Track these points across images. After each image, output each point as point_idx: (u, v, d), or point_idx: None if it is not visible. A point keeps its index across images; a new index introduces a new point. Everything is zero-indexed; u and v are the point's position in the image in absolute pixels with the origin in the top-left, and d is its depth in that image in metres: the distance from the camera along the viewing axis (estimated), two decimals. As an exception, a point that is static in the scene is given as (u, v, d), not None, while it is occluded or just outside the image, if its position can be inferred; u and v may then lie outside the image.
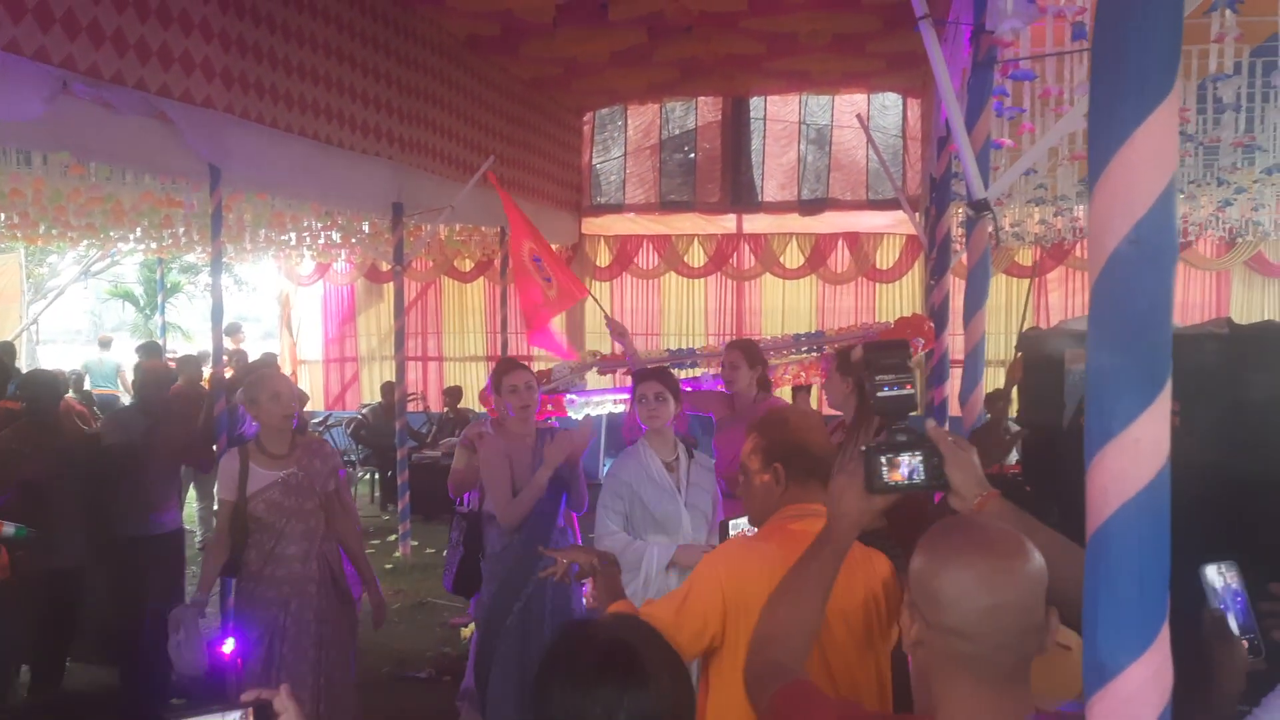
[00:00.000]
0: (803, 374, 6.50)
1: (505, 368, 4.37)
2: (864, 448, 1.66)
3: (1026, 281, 11.55)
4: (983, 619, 1.30)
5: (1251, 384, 3.49)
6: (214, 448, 5.93)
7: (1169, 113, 1.05)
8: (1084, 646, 1.12)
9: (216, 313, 6.09)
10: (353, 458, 11.55)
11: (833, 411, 4.32)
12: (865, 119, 10.35)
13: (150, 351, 9.01)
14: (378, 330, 13.95)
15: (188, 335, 22.08)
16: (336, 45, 7.13)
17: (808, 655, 1.74)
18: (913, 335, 5.60)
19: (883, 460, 1.62)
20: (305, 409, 7.84)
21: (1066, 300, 11.45)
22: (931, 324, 5.46)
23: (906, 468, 1.63)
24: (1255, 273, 10.90)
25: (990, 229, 3.07)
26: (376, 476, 11.54)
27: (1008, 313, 11.26)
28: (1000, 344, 10.91)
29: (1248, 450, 3.37)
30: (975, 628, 1.30)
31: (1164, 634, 1.07)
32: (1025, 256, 11.40)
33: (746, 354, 4.83)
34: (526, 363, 5.19)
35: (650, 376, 4.00)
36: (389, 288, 13.89)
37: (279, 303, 14.30)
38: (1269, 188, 6.21)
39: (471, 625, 6.67)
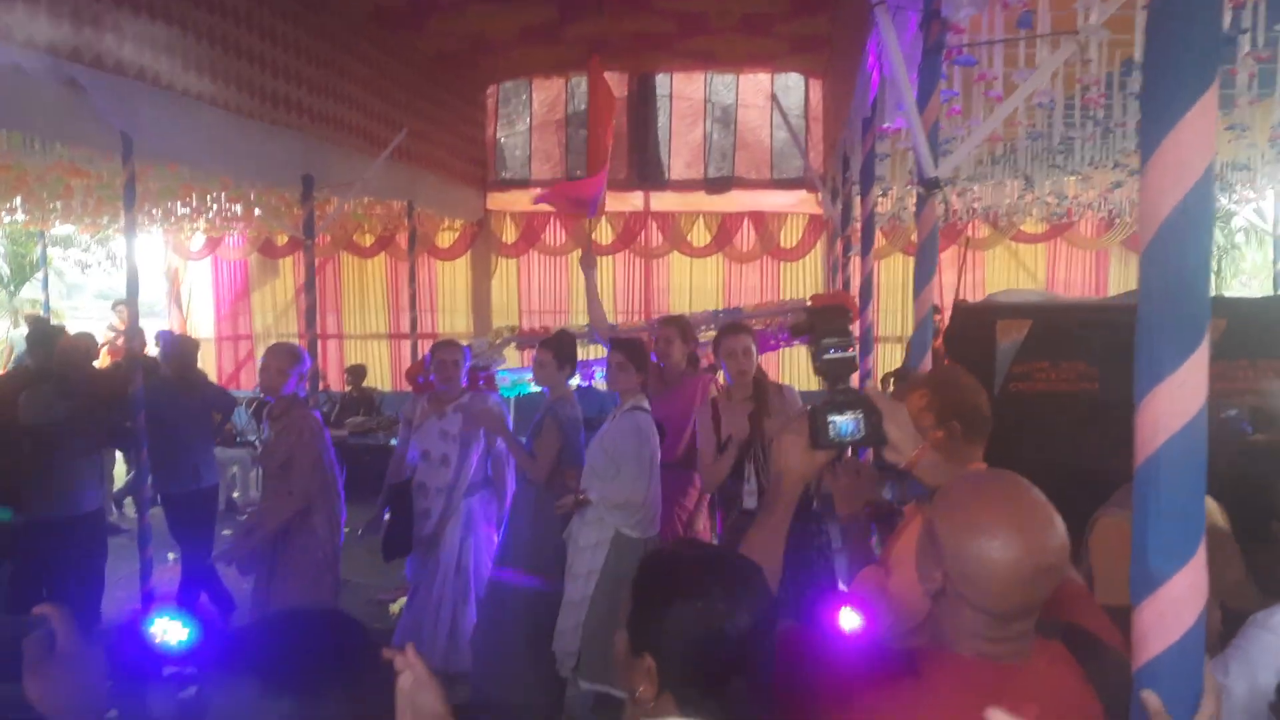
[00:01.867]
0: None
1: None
2: (809, 407, 1.80)
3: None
4: (1008, 592, 1.40)
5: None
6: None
7: (1210, 102, 1.22)
8: (1134, 560, 1.29)
9: (132, 287, 5.89)
10: (254, 439, 11.25)
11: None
12: (771, 98, 10.61)
13: (41, 326, 8.62)
14: (273, 306, 13.59)
15: (58, 313, 21.03)
16: (247, 12, 6.94)
17: None
18: (838, 309, 5.83)
19: (827, 418, 1.76)
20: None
21: (957, 279, 11.96)
22: (855, 300, 5.71)
23: (849, 424, 1.77)
24: (1131, 251, 11.63)
25: (940, 207, 3.28)
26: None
27: (903, 291, 11.72)
28: (898, 321, 11.38)
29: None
30: (1000, 600, 1.41)
31: (1202, 547, 1.25)
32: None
33: (680, 330, 5.17)
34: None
35: (619, 347, 4.41)
36: (285, 263, 13.53)
37: (167, 278, 13.77)
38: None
39: (400, 600, 6.70)
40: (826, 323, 1.74)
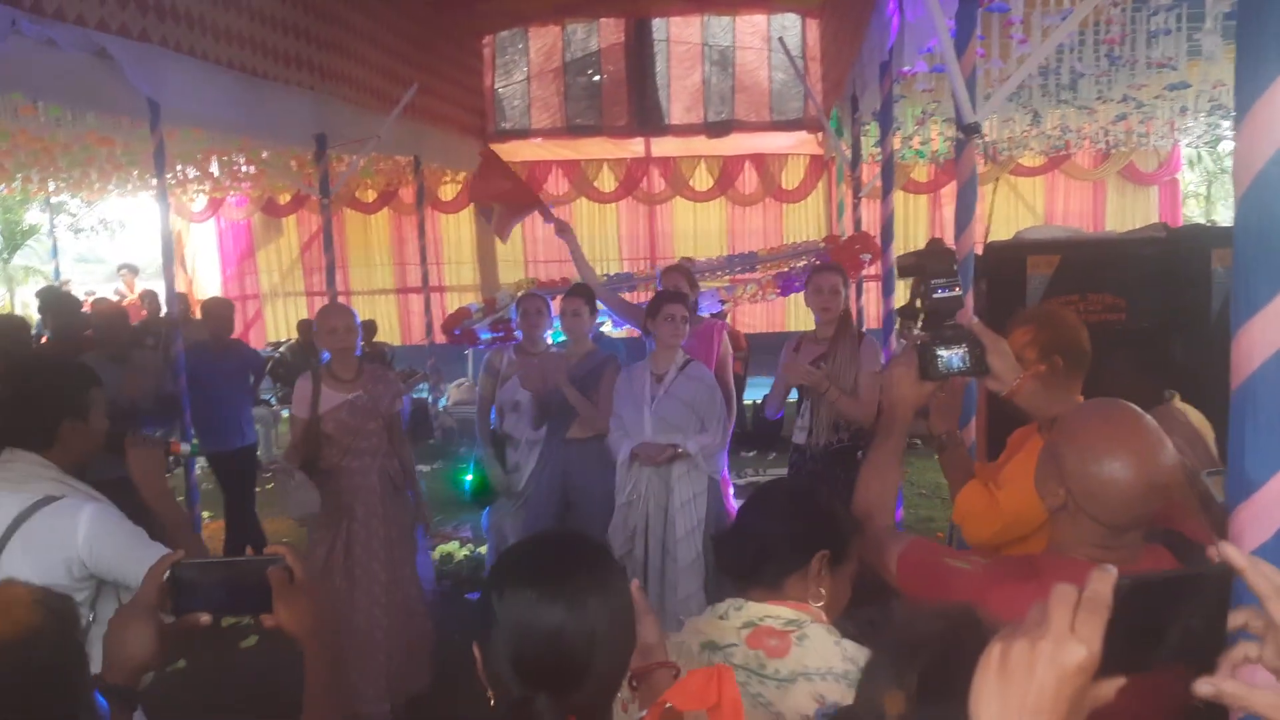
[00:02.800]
0: (760, 292, 6.84)
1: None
2: (918, 342, 1.97)
3: (923, 198, 12.19)
4: (1127, 507, 1.57)
5: (1184, 275, 4.03)
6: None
7: (1299, 63, 1.38)
8: (1229, 468, 1.48)
9: (167, 250, 6.02)
10: (269, 398, 11.40)
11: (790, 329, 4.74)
12: (768, 40, 10.62)
13: (54, 294, 8.69)
14: (279, 265, 13.66)
15: (47, 276, 20.98)
16: (255, -30, 6.97)
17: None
18: (861, 251, 6.00)
19: (936, 352, 1.94)
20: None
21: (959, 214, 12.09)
22: (877, 240, 5.85)
23: (955, 358, 1.95)
24: (1128, 181, 11.80)
25: (979, 149, 3.43)
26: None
27: (906, 227, 11.86)
28: (901, 256, 11.51)
29: (1179, 327, 3.97)
30: (1118, 513, 1.58)
31: (1292, 457, 1.44)
32: (921, 173, 11.98)
33: (687, 278, 5.24)
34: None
35: (677, 299, 4.36)
36: (288, 221, 13.59)
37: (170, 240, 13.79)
38: (1166, 103, 6.86)
39: (440, 547, 6.91)
40: (935, 264, 1.90)
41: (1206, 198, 20.97)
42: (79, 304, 7.18)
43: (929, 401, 2.10)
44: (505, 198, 6.29)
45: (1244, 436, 1.46)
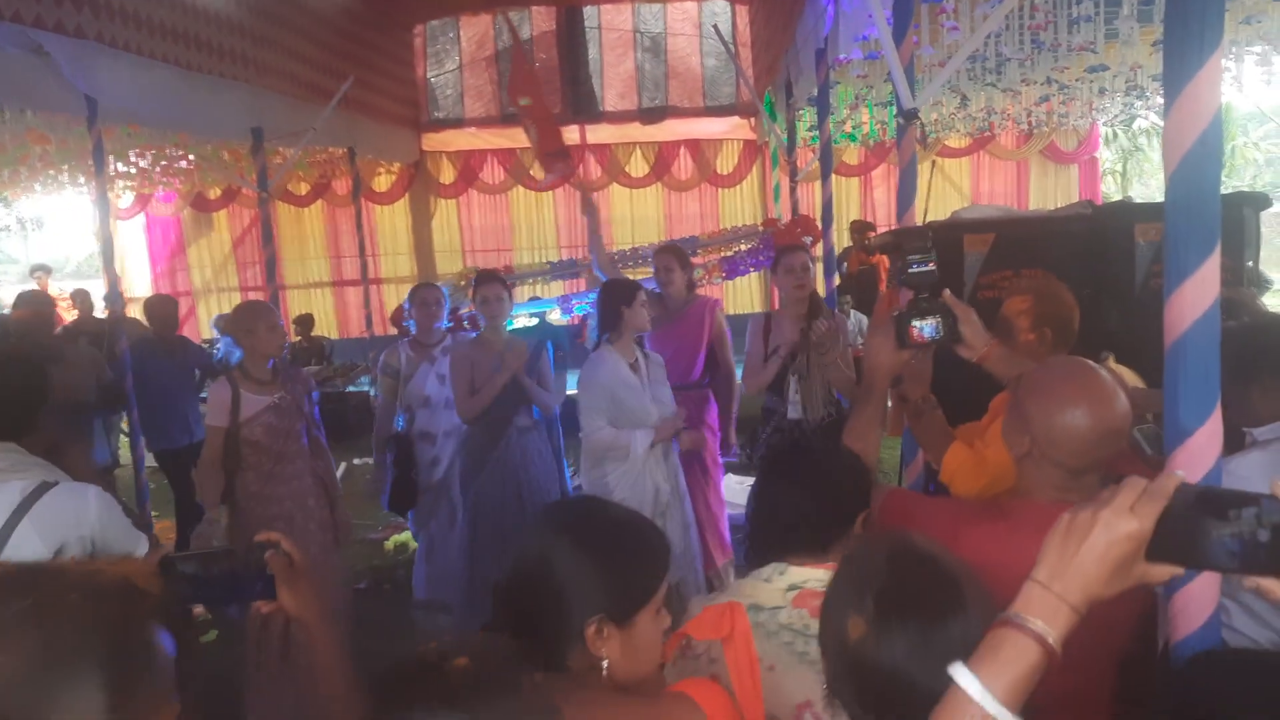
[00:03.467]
0: (706, 276, 6.99)
1: (482, 279, 4.63)
2: (896, 313, 2.14)
3: (855, 180, 12.46)
4: (1086, 451, 1.72)
5: (1110, 249, 4.27)
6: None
7: (1218, 58, 1.56)
8: (1165, 419, 1.66)
9: (107, 248, 5.96)
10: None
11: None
12: (699, 26, 10.75)
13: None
14: (210, 261, 13.44)
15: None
16: (188, -35, 6.90)
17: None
18: (803, 233, 6.18)
19: (911, 322, 2.11)
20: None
21: (890, 195, 12.42)
22: (817, 223, 6.04)
23: (929, 327, 2.12)
24: (1049, 160, 12.22)
25: (917, 134, 3.61)
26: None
27: (838, 210, 12.11)
28: (836, 240, 11.79)
29: (1109, 296, 4.21)
30: (1078, 457, 1.74)
31: (1218, 408, 1.63)
32: (852, 156, 12.25)
33: (679, 257, 5.15)
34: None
35: (640, 288, 4.32)
36: (219, 217, 13.37)
37: (97, 238, 13.48)
38: (1086, 84, 7.18)
39: (394, 537, 6.95)
40: (910, 241, 2.07)
41: (1123, 174, 21.73)
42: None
43: (904, 369, 2.27)
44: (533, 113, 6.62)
45: (1177, 390, 1.64)
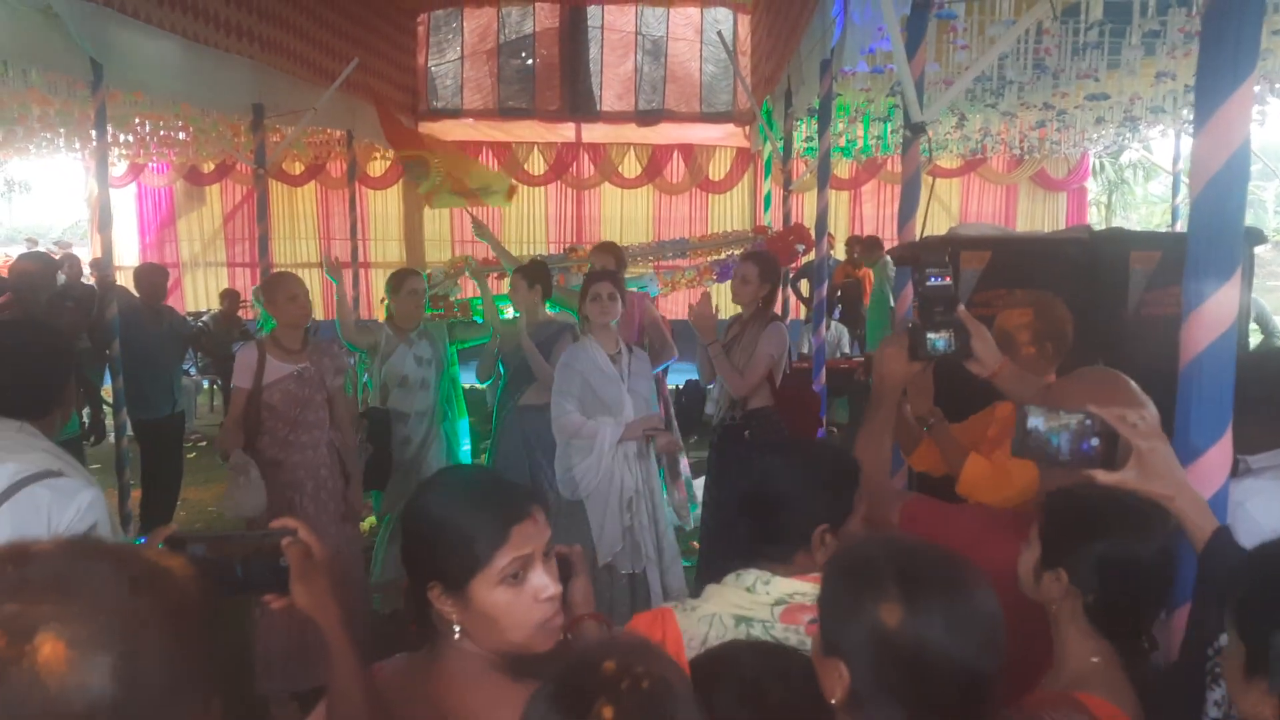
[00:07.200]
0: (698, 278, 7.02)
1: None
2: (909, 325, 2.16)
3: (845, 194, 12.54)
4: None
5: (1105, 274, 4.33)
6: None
7: (1251, 83, 1.60)
8: (1176, 437, 1.70)
9: (105, 216, 5.91)
10: (189, 367, 11.15)
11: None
12: (700, 32, 10.79)
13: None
14: (200, 235, 13.35)
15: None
16: (199, -64, 6.87)
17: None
18: (796, 241, 6.22)
19: (925, 335, 2.14)
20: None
21: (879, 210, 12.52)
22: (810, 232, 6.08)
23: (942, 341, 2.15)
24: (1039, 187, 12.35)
25: (923, 147, 3.65)
26: (219, 386, 11.23)
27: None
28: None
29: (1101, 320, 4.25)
30: None
31: (1229, 428, 1.67)
32: (844, 170, 12.33)
33: (616, 256, 5.37)
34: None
35: (604, 277, 4.33)
36: (211, 190, 13.29)
37: (88, 205, 13.38)
38: (1087, 112, 7.27)
39: (370, 519, 6.91)
40: (929, 255, 2.08)
41: (1108, 206, 21.96)
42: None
43: (914, 381, 2.29)
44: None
45: (1190, 409, 1.68)
